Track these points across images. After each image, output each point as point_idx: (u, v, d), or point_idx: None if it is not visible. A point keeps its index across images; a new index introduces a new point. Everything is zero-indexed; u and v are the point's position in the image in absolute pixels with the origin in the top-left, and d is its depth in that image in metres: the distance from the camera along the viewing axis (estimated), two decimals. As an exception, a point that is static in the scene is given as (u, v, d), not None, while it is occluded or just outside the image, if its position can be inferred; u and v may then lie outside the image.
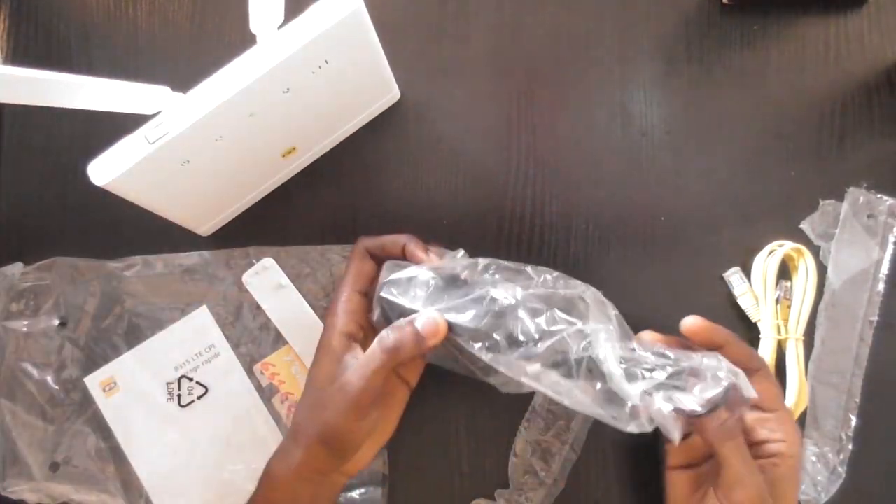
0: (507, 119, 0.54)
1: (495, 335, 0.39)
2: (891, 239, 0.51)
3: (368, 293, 0.45)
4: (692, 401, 0.38)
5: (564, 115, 0.54)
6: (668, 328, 0.52)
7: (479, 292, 0.41)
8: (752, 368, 0.41)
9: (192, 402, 0.52)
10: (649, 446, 0.51)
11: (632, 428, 0.38)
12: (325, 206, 0.54)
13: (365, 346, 0.43)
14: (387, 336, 0.41)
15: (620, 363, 0.39)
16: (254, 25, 0.41)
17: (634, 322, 0.51)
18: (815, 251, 0.51)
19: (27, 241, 0.55)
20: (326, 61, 0.44)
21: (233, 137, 0.45)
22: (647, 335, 0.43)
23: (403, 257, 0.45)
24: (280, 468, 0.43)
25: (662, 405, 0.37)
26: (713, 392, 0.38)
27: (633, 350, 0.40)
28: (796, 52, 0.54)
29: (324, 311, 0.50)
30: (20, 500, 0.51)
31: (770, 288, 0.50)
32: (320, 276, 0.53)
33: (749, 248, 0.52)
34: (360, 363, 0.41)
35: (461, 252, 0.46)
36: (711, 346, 0.41)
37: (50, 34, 0.56)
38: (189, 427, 0.52)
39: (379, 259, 0.46)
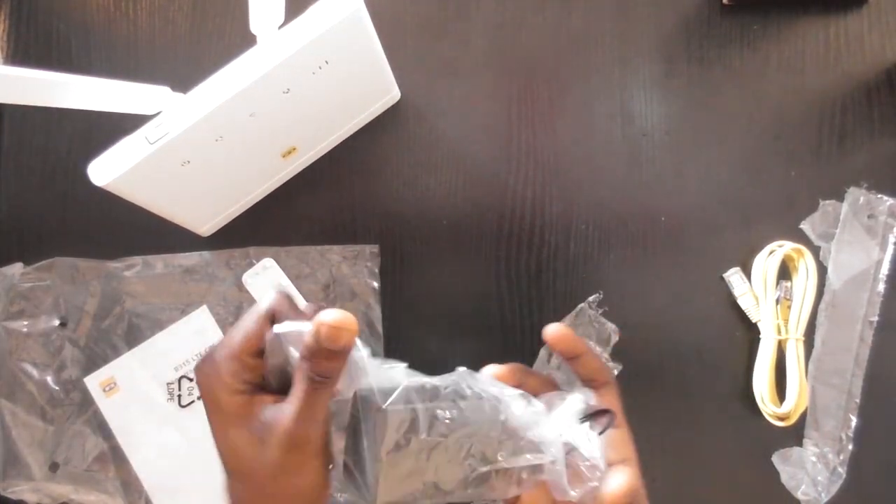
0: (507, 119, 0.54)
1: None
2: (891, 239, 0.51)
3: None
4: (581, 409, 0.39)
5: (564, 115, 0.54)
6: (668, 328, 0.52)
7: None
8: (601, 381, 0.42)
9: (193, 402, 0.52)
10: (649, 446, 0.51)
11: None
12: (325, 206, 0.54)
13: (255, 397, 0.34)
14: (308, 369, 0.33)
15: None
16: (254, 25, 0.41)
17: (634, 322, 0.51)
18: (815, 251, 0.51)
19: (27, 241, 0.55)
20: (326, 61, 0.44)
21: (233, 137, 0.45)
22: (489, 369, 0.41)
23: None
24: None
25: (582, 431, 0.37)
26: (586, 403, 0.39)
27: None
28: (796, 52, 0.54)
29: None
30: (20, 500, 0.51)
31: (770, 288, 0.50)
32: (320, 276, 0.53)
33: (749, 248, 0.52)
34: (298, 411, 0.33)
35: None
36: (572, 355, 0.42)
37: (50, 34, 0.56)
38: (189, 427, 0.52)
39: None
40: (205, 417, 0.54)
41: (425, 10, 0.55)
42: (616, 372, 0.51)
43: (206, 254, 0.53)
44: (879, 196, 0.51)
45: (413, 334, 0.53)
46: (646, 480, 0.51)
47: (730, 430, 0.51)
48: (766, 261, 0.50)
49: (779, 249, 0.50)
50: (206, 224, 0.53)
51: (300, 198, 0.54)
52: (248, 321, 0.35)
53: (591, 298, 0.52)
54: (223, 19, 0.56)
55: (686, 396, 0.51)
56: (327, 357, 0.32)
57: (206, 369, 0.35)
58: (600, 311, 0.52)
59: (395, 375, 0.35)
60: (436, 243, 0.53)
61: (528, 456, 0.36)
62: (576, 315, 0.52)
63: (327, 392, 0.33)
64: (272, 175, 0.53)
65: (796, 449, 0.50)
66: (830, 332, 0.50)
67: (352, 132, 0.54)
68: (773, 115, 0.53)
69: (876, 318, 0.50)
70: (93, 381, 0.52)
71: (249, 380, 0.34)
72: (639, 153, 0.53)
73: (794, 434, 0.50)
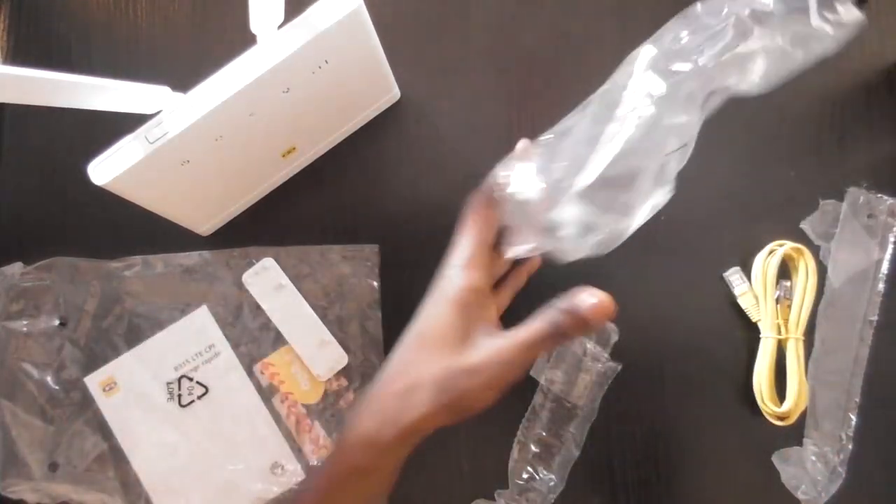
0: (507, 119, 0.54)
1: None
2: (891, 239, 0.51)
3: (494, 246, 0.42)
4: None
5: (564, 116, 0.54)
6: (668, 328, 0.52)
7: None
8: None
9: (193, 401, 0.52)
10: (649, 445, 0.51)
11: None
12: (325, 206, 0.54)
13: (489, 307, 0.40)
14: (557, 321, 0.36)
15: None
16: (254, 25, 0.41)
17: (634, 322, 0.51)
18: (815, 251, 0.51)
19: (27, 241, 0.55)
20: (326, 61, 0.44)
21: (233, 137, 0.45)
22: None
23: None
24: (380, 428, 0.37)
25: None
26: None
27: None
28: (796, 52, 0.53)
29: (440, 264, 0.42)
30: (20, 499, 0.51)
31: (770, 288, 0.50)
32: (320, 276, 0.53)
33: (749, 248, 0.52)
34: (523, 338, 0.37)
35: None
36: None
37: (50, 34, 0.56)
38: (189, 427, 0.52)
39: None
40: (205, 417, 0.54)
41: (425, 9, 0.55)
42: (615, 372, 0.51)
43: (206, 253, 0.53)
44: (879, 196, 0.51)
45: (413, 334, 0.53)
46: (646, 478, 0.51)
47: (730, 430, 0.51)
48: (766, 260, 0.50)
49: (779, 249, 0.50)
50: (206, 224, 0.53)
51: (300, 197, 0.54)
52: (475, 213, 0.42)
53: (592, 299, 0.52)
54: (223, 19, 0.56)
55: (686, 396, 0.51)
56: (584, 327, 0.36)
57: (451, 265, 0.41)
58: (601, 312, 0.52)
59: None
60: (436, 243, 0.53)
61: None
62: (576, 315, 0.52)
63: (551, 345, 0.37)
64: (272, 175, 0.53)
65: (796, 449, 0.50)
66: (830, 331, 0.50)
67: (352, 132, 0.54)
68: (773, 115, 0.53)
69: (876, 318, 0.50)
70: (93, 381, 0.52)
71: (487, 283, 0.41)
72: (639, 153, 0.53)
73: (794, 434, 0.50)
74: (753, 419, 0.50)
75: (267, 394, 0.52)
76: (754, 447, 0.51)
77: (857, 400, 0.49)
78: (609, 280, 0.52)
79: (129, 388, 0.52)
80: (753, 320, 0.51)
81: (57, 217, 0.55)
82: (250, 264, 0.53)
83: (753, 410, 0.50)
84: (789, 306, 0.50)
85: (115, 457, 0.52)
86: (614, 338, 0.51)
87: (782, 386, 0.49)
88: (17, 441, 0.51)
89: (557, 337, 0.37)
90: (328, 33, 0.41)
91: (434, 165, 0.54)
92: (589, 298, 0.36)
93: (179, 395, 0.52)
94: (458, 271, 0.40)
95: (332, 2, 0.41)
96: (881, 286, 0.50)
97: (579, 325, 0.36)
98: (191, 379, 0.52)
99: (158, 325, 0.53)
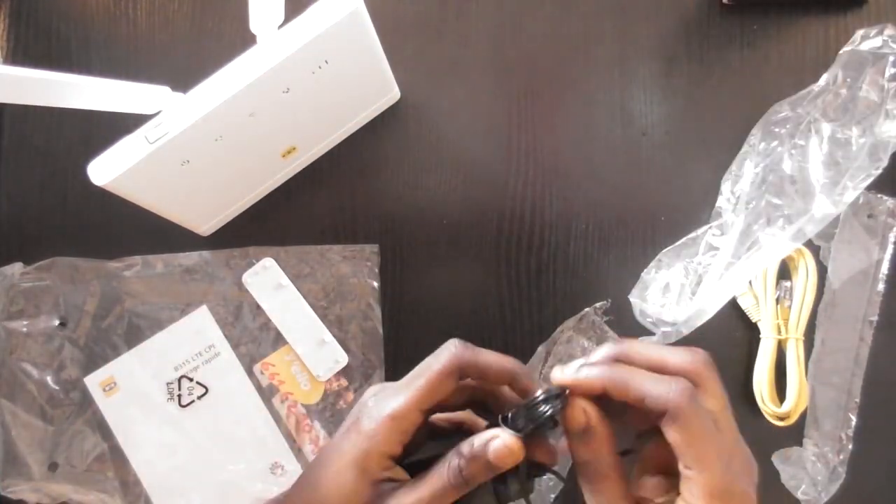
0: (507, 119, 0.54)
1: None
2: (891, 239, 0.51)
3: (429, 414, 0.35)
4: None
5: (564, 115, 0.54)
6: (668, 328, 0.52)
7: None
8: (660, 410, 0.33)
9: (192, 402, 0.52)
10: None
11: None
12: (325, 206, 0.54)
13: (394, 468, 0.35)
14: (460, 469, 0.33)
15: None
16: (254, 25, 0.41)
17: (633, 321, 0.51)
18: (815, 251, 0.51)
19: (27, 241, 0.55)
20: (326, 61, 0.44)
21: (233, 137, 0.45)
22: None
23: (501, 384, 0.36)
24: None
25: None
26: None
27: None
28: (796, 52, 0.54)
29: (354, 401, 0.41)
30: (20, 500, 0.51)
31: (770, 288, 0.50)
32: (320, 276, 0.53)
33: (749, 248, 0.52)
34: (426, 495, 0.33)
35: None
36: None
37: (50, 34, 0.56)
38: (189, 427, 0.52)
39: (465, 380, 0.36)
40: (205, 417, 0.54)
41: (425, 10, 0.55)
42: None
43: (205, 253, 0.53)
44: (879, 196, 0.51)
45: (413, 334, 0.53)
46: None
47: (730, 429, 0.51)
48: (766, 261, 0.50)
49: (779, 249, 0.50)
50: (206, 224, 0.53)
51: (300, 197, 0.54)
52: (432, 376, 0.34)
53: (597, 305, 0.52)
54: (223, 19, 0.56)
55: (686, 396, 0.51)
56: (485, 467, 0.33)
57: (368, 417, 0.34)
58: (605, 319, 0.52)
59: None
60: (436, 243, 0.54)
61: None
62: (579, 319, 0.52)
63: (457, 495, 0.34)
64: (272, 175, 0.53)
65: (796, 449, 0.50)
66: (830, 331, 0.50)
67: (352, 132, 0.54)
68: (773, 115, 0.53)
69: (876, 318, 0.50)
70: (93, 381, 0.52)
71: (401, 448, 0.34)
72: (639, 153, 0.53)
73: (794, 434, 0.50)
74: (753, 419, 0.50)
75: (267, 394, 0.52)
76: (754, 447, 0.50)
77: (857, 400, 0.49)
78: (609, 279, 0.53)
79: (128, 388, 0.52)
80: (753, 320, 0.51)
81: (57, 217, 0.55)
82: (250, 264, 0.53)
83: (753, 410, 0.50)
84: (789, 307, 0.50)
85: (115, 457, 0.52)
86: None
87: (782, 386, 0.49)
88: (17, 441, 0.51)
89: (462, 487, 0.33)
90: (328, 33, 0.41)
91: (434, 165, 0.54)
92: (494, 443, 0.33)
93: (179, 395, 0.52)
94: (368, 424, 0.34)
95: (332, 2, 0.41)
96: (881, 286, 0.50)
97: (485, 470, 0.33)
98: (191, 379, 0.52)
99: (158, 325, 0.53)
